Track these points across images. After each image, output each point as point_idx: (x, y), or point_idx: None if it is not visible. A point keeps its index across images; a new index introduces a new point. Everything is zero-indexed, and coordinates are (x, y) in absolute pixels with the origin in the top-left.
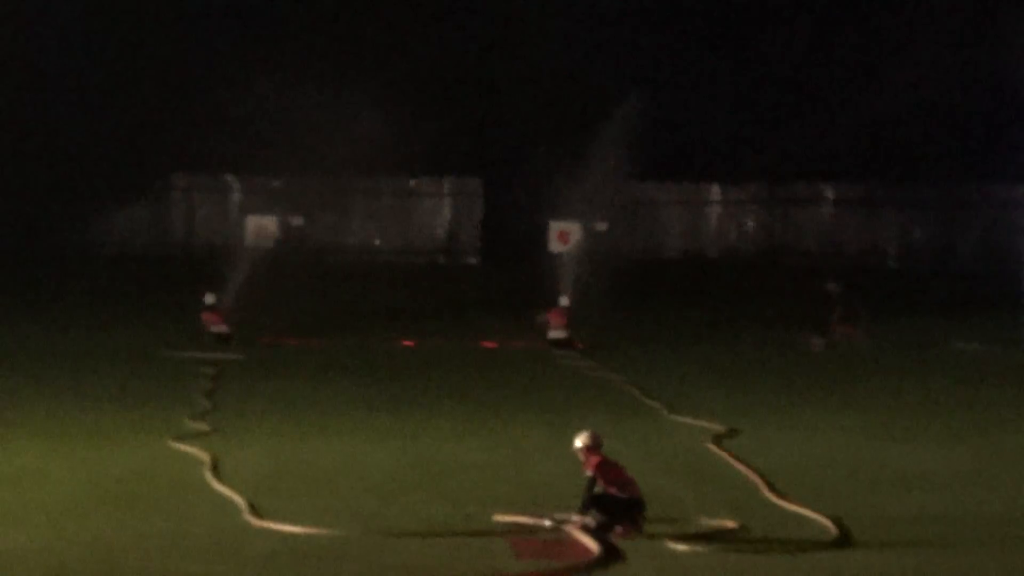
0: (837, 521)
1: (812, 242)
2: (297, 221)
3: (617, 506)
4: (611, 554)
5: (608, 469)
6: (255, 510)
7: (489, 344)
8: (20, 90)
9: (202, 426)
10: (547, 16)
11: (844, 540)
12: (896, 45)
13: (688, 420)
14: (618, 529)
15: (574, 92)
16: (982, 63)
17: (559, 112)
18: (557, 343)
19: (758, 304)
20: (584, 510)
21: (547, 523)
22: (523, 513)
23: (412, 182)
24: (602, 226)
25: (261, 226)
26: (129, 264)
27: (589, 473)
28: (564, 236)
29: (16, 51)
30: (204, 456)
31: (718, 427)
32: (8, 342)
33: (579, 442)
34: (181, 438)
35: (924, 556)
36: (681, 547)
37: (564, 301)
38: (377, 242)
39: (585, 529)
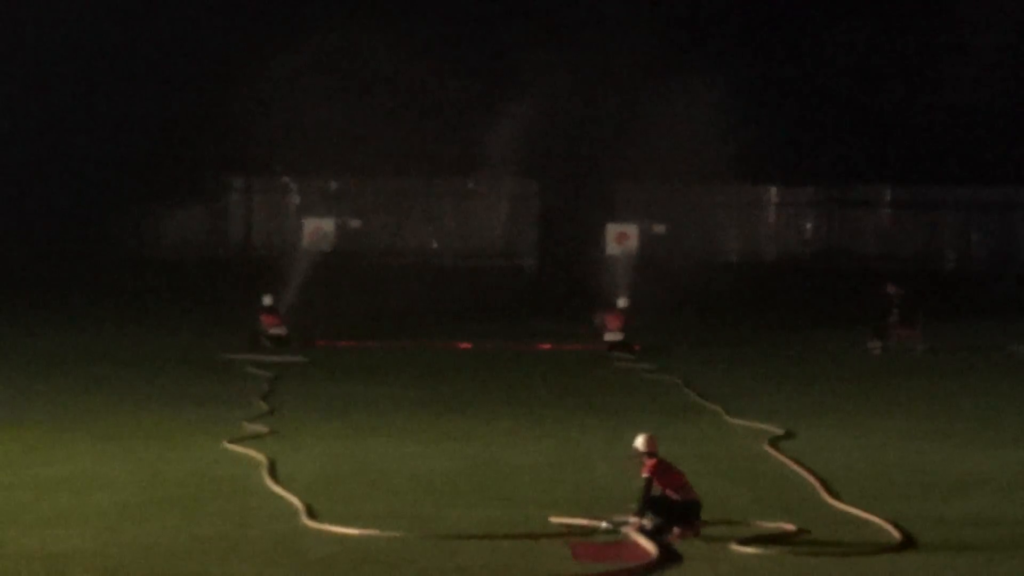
0: (896, 524)
1: (870, 245)
2: (354, 223)
3: (673, 508)
4: (668, 556)
5: (664, 472)
6: (312, 512)
7: (545, 346)
8: (78, 94)
9: (259, 428)
10: (601, 15)
11: (908, 544)
12: (954, 46)
13: (745, 422)
14: (675, 531)
15: (631, 94)
16: None
17: (616, 113)
18: (614, 345)
19: (815, 307)
20: (641, 512)
21: (604, 525)
22: (580, 515)
23: (469, 184)
24: (659, 228)
25: (318, 228)
26: (187, 267)
27: (645, 475)
28: (622, 238)
29: (73, 55)
30: (261, 458)
31: (775, 429)
32: (67, 344)
33: (637, 445)
34: (238, 440)
35: (983, 559)
36: (743, 550)
37: (621, 303)
38: (434, 244)
39: (642, 531)
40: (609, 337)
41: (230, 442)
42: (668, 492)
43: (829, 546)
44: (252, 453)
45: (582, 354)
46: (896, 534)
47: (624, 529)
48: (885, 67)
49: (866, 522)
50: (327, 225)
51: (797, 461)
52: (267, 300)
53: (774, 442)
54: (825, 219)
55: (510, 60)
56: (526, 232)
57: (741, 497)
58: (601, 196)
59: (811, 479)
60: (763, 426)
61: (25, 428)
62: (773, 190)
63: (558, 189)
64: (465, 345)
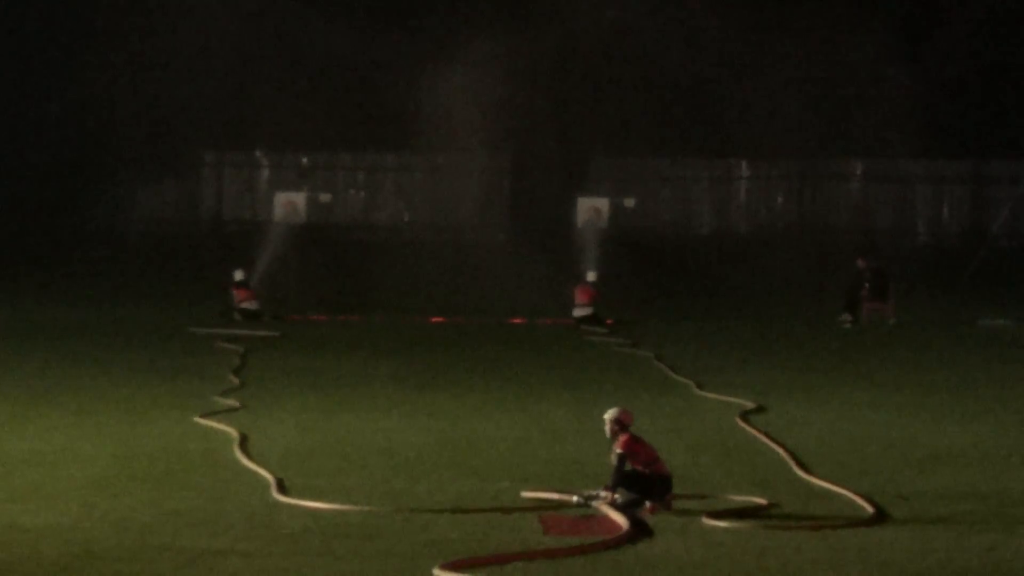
0: (867, 498)
1: (841, 218)
2: (326, 197)
3: (646, 483)
4: (640, 530)
5: (637, 447)
6: (283, 487)
7: (517, 320)
8: (49, 66)
9: (231, 403)
10: None
11: (880, 518)
12: (928, 19)
13: (717, 396)
14: (647, 506)
15: (604, 68)
16: (1014, 39)
17: (589, 88)
18: (583, 320)
19: (787, 280)
20: (613, 487)
21: (575, 499)
22: (551, 489)
23: (441, 159)
24: (630, 202)
25: (290, 202)
26: (158, 241)
27: (619, 451)
28: (592, 212)
29: (45, 29)
30: (233, 433)
31: (747, 403)
32: (38, 319)
33: (609, 418)
34: (210, 415)
35: (955, 533)
36: (714, 523)
37: (591, 277)
38: (406, 218)
39: (613, 505)
40: (578, 312)
41: (201, 416)
42: (639, 467)
43: (800, 520)
44: (223, 427)
45: (554, 328)
46: (868, 508)
47: (595, 503)
48: (858, 39)
49: (838, 496)
50: (298, 199)
51: (768, 435)
52: (239, 275)
53: (745, 416)
54: (796, 193)
55: (481, 33)
56: (498, 206)
57: (712, 471)
58: (573, 170)
59: (782, 453)
60: (734, 400)
61: None
62: (744, 163)
63: (530, 163)
64: (437, 319)
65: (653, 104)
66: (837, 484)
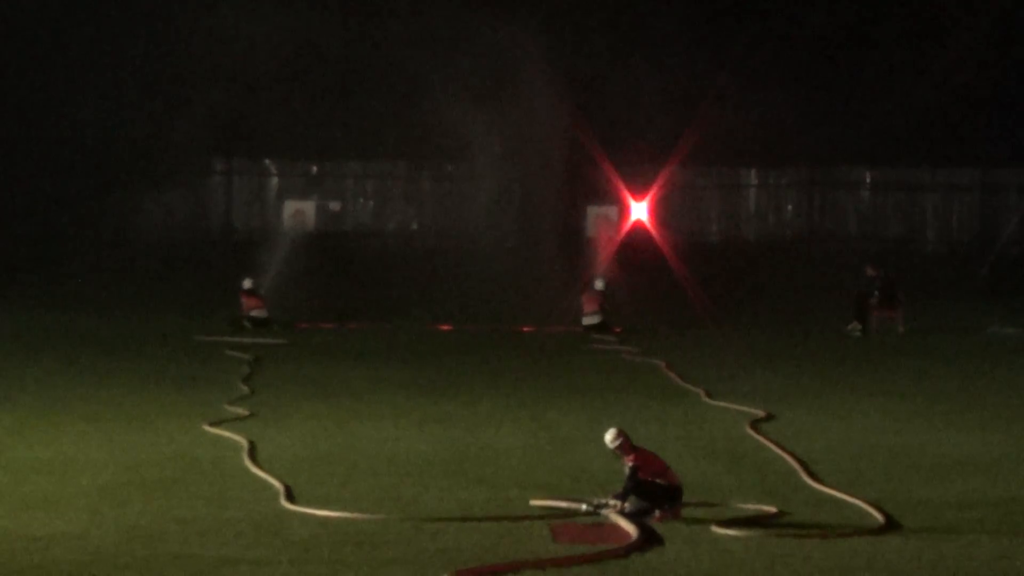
0: (878, 507)
1: (850, 226)
2: (335, 206)
3: (656, 492)
4: (649, 538)
5: (647, 460)
6: (292, 495)
7: (526, 329)
8: (59, 74)
9: (240, 411)
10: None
11: (890, 526)
12: (935, 27)
13: (726, 405)
14: (656, 514)
15: (613, 76)
16: (1023, 47)
17: (597, 96)
18: (591, 328)
19: (796, 288)
20: (623, 497)
21: (584, 507)
22: (560, 498)
23: (450, 166)
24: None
25: (299, 210)
26: (168, 249)
27: (631, 464)
28: (602, 220)
29: (55, 34)
30: (242, 440)
31: (757, 412)
32: (47, 326)
33: (611, 443)
34: (219, 423)
35: (965, 541)
36: (724, 531)
37: (599, 285)
38: (414, 226)
39: (622, 514)
40: (587, 321)
41: (210, 424)
42: (648, 478)
43: (810, 528)
44: (232, 435)
45: (564, 336)
46: (878, 516)
47: (605, 511)
48: (866, 48)
49: (848, 504)
50: (308, 207)
51: (778, 443)
52: (247, 283)
53: (755, 424)
54: (805, 201)
55: (489, 42)
56: (507, 214)
57: (722, 479)
58: (582, 178)
59: (792, 461)
60: (744, 408)
61: (5, 411)
62: (753, 171)
63: (539, 171)
64: (446, 327)
65: (663, 112)
66: (847, 492)
